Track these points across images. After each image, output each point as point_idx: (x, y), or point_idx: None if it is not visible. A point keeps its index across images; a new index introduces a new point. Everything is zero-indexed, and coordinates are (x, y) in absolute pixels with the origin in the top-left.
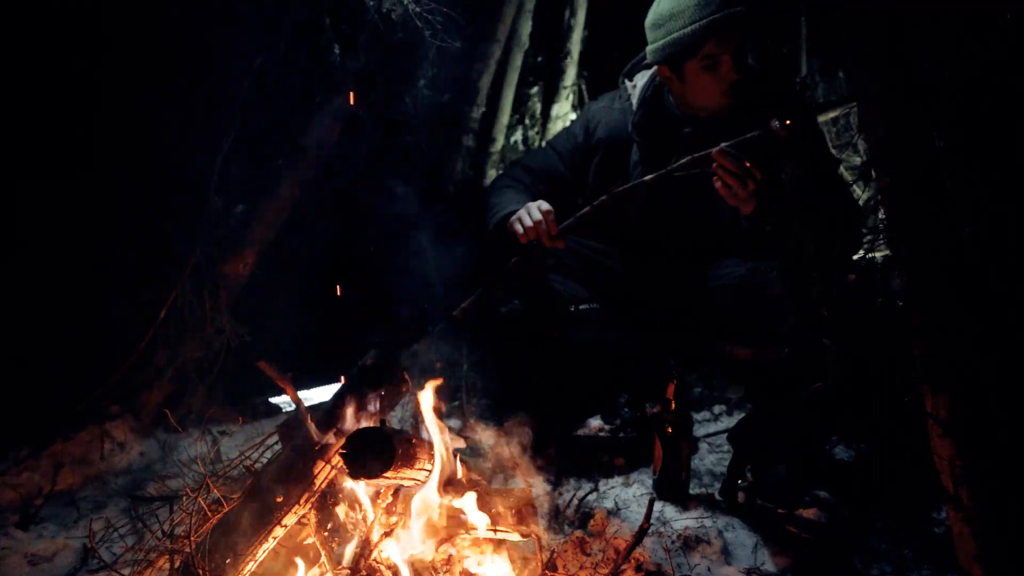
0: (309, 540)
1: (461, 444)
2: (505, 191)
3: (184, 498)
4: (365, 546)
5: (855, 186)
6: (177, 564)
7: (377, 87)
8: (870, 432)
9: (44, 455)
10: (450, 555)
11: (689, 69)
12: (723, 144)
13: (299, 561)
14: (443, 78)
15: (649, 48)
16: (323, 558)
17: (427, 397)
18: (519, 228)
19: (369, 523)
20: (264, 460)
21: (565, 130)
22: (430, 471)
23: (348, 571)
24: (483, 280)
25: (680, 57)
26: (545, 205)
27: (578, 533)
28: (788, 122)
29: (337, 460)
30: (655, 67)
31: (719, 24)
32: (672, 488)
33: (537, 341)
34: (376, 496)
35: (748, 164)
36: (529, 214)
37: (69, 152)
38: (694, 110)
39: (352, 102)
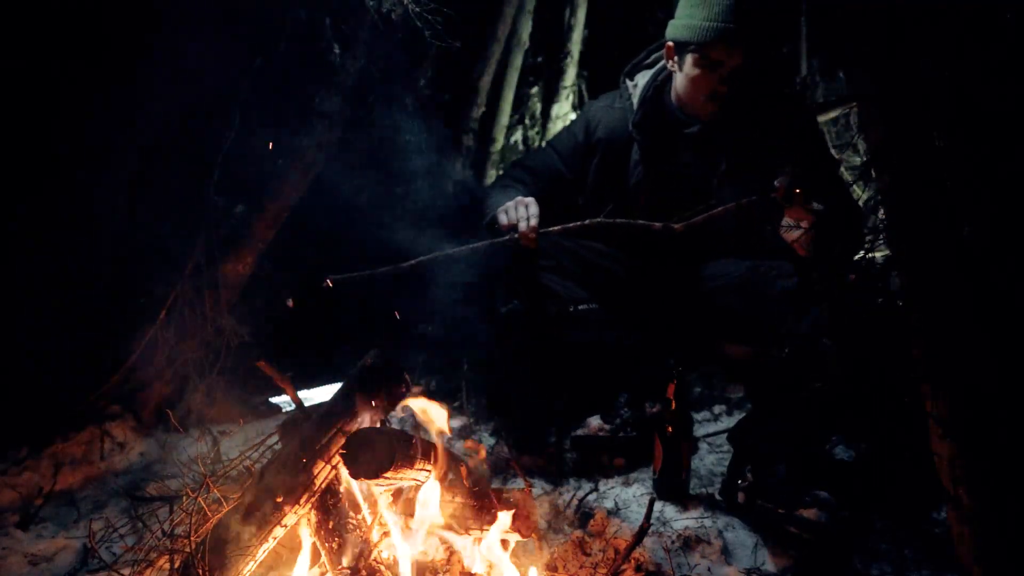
0: (309, 540)
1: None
2: (502, 190)
3: (184, 498)
4: (365, 546)
5: (855, 186)
6: (177, 564)
7: (377, 87)
8: (870, 432)
9: (44, 455)
10: (450, 555)
11: (689, 60)
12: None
13: (299, 560)
14: (443, 78)
15: (674, 23)
16: (323, 558)
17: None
18: (503, 218)
19: (369, 523)
20: (264, 460)
21: (565, 129)
22: (430, 471)
23: (348, 571)
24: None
25: (687, 46)
26: (532, 202)
27: (578, 533)
28: (788, 185)
29: (337, 460)
30: (657, 65)
31: (732, 35)
32: (672, 488)
33: (537, 341)
34: (376, 496)
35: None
36: (515, 206)
37: (68, 152)
38: (684, 106)
39: (352, 102)
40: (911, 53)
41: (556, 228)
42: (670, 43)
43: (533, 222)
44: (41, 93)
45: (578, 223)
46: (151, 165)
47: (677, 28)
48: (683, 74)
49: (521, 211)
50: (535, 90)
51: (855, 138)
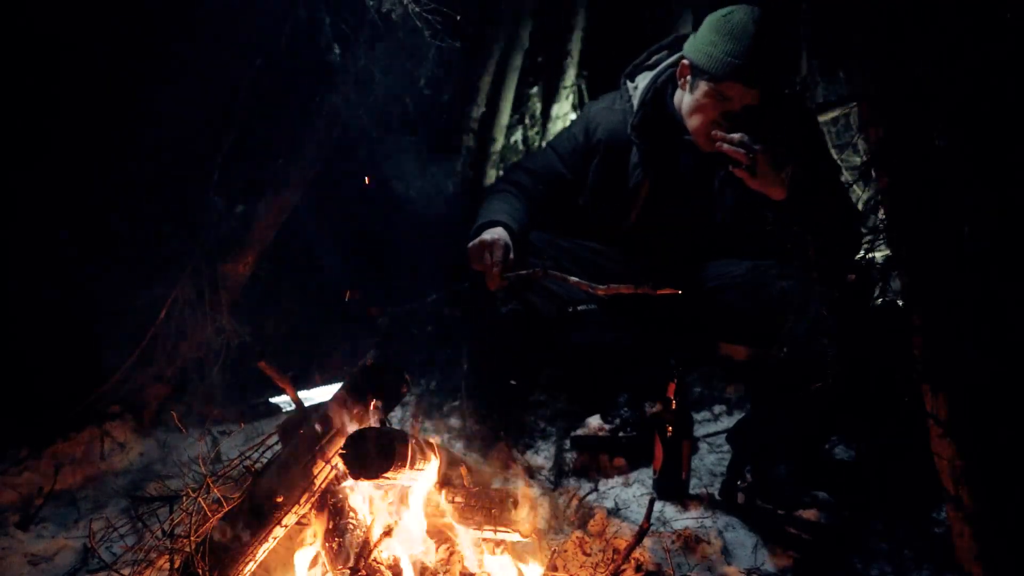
0: (309, 540)
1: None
2: (494, 197)
3: (184, 498)
4: (365, 546)
5: (855, 186)
6: (177, 564)
7: (377, 87)
8: (870, 432)
9: (44, 455)
10: (450, 555)
11: (702, 87)
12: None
13: (299, 561)
14: (443, 78)
15: (694, 42)
16: (323, 558)
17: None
18: (471, 258)
19: (369, 523)
20: (264, 460)
21: (565, 130)
22: (430, 471)
23: (348, 571)
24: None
25: (703, 72)
26: (498, 244)
27: (578, 533)
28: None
29: (337, 460)
30: (658, 67)
31: (751, 77)
32: (672, 488)
33: (536, 342)
34: (376, 496)
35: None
36: (482, 249)
37: (68, 152)
38: (683, 122)
39: (352, 102)
40: (911, 53)
41: (523, 273)
42: (686, 61)
43: (495, 270)
44: (36, 93)
45: (543, 270)
46: (151, 165)
47: (697, 51)
48: (692, 97)
49: (486, 258)
50: (535, 90)
51: (855, 138)
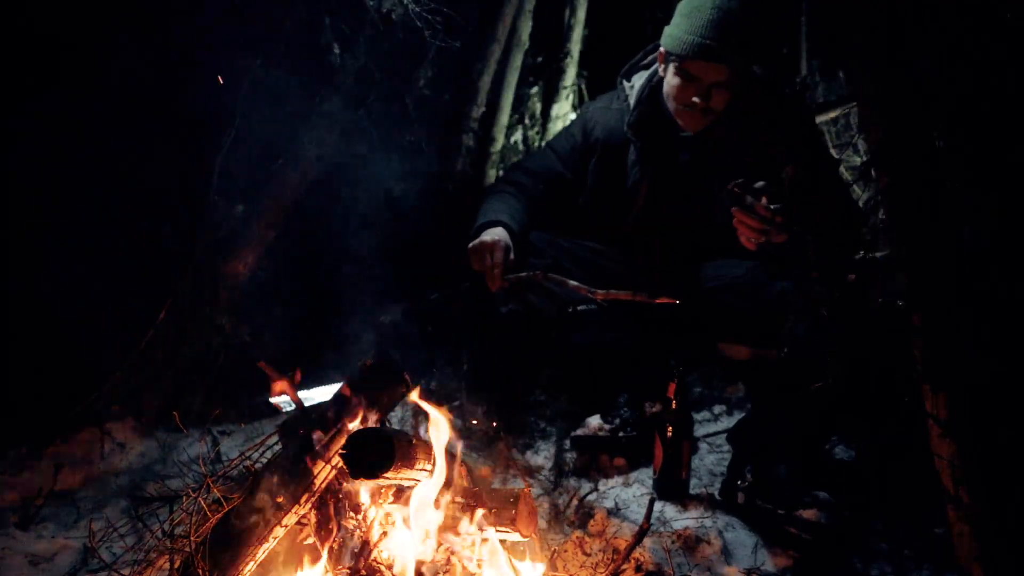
0: (309, 540)
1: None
2: (494, 197)
3: (184, 498)
4: (365, 546)
5: (855, 186)
6: (177, 564)
7: (377, 87)
8: (870, 432)
9: (44, 455)
10: (450, 555)
11: (671, 69)
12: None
13: (299, 561)
14: (443, 78)
15: (666, 27)
16: (323, 558)
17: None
18: (474, 262)
19: (369, 523)
20: (264, 460)
21: (564, 130)
22: (430, 471)
23: (348, 571)
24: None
25: (670, 55)
26: (498, 246)
27: (578, 533)
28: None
29: (337, 460)
30: (653, 67)
31: (710, 52)
32: (672, 488)
33: (536, 341)
34: (376, 496)
35: (767, 207)
36: (483, 250)
37: (67, 151)
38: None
39: (352, 102)
40: (911, 53)
41: (523, 275)
42: (662, 49)
43: (496, 271)
44: (40, 92)
45: (542, 273)
46: (152, 164)
47: (666, 35)
48: (666, 81)
49: (487, 259)
50: (535, 90)
51: (855, 138)
